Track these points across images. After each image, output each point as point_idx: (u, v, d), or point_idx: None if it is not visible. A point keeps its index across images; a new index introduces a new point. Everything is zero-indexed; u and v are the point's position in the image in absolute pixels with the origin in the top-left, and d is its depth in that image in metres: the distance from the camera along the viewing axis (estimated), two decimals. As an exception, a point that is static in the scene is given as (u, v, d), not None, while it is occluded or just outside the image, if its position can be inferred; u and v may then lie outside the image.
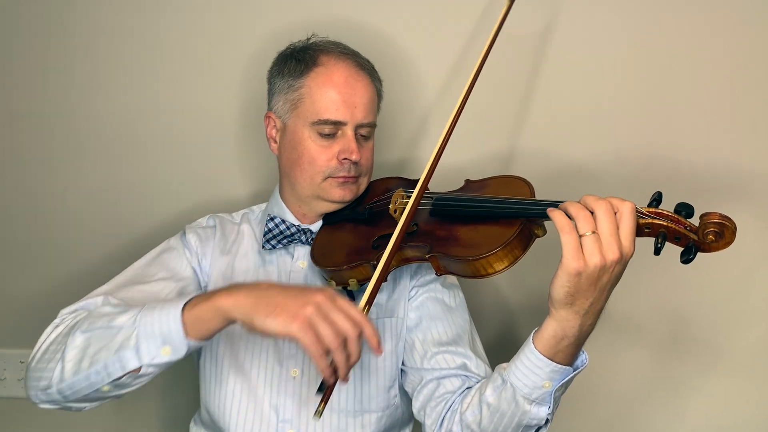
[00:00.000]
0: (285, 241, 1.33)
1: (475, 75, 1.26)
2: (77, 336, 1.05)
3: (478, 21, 1.60)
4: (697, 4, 1.53)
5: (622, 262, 0.98)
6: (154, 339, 1.01)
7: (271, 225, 1.33)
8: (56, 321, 1.15)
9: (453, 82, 1.61)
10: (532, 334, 1.08)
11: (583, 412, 1.60)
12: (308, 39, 1.37)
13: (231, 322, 1.01)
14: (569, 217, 0.99)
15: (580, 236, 0.97)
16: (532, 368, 1.06)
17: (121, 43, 1.71)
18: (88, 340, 1.05)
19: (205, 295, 1.03)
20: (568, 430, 1.59)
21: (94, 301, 1.18)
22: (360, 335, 0.98)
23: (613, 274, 0.99)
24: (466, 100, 1.25)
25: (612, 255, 0.96)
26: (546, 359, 1.05)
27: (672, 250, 1.02)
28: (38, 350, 1.10)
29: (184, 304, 1.02)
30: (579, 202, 1.00)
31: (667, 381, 1.59)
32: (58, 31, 1.73)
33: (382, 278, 1.12)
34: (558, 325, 1.03)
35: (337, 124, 1.28)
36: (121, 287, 1.23)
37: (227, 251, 1.37)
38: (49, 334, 1.11)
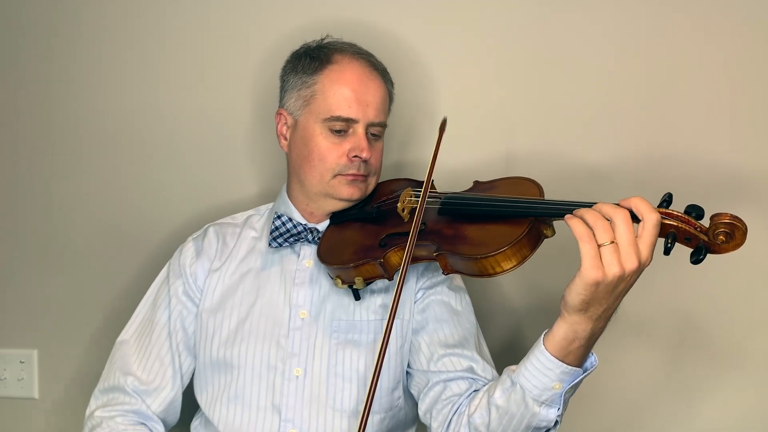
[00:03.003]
0: (291, 239, 1.33)
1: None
2: None
3: (489, 24, 1.61)
4: (703, 3, 1.53)
5: (640, 271, 0.98)
6: None
7: (278, 223, 1.33)
8: (96, 415, 1.30)
9: (461, 85, 1.62)
10: (543, 335, 1.07)
11: (590, 413, 1.58)
12: (322, 39, 1.39)
13: None
14: (586, 224, 0.98)
15: (599, 246, 0.96)
16: (542, 370, 1.06)
17: (129, 42, 1.73)
18: None
19: None
20: (575, 431, 1.58)
21: (122, 384, 1.31)
22: None
23: (630, 282, 0.99)
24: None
25: (631, 265, 0.96)
26: (557, 360, 1.04)
27: (682, 251, 1.02)
28: None
29: None
30: (593, 209, 0.99)
31: (676, 383, 1.57)
32: (62, 30, 1.75)
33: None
34: (570, 327, 1.02)
35: (349, 122, 1.29)
36: (137, 340, 1.35)
37: (227, 258, 1.37)
38: None
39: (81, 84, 1.75)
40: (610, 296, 0.99)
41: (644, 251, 0.96)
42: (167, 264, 1.42)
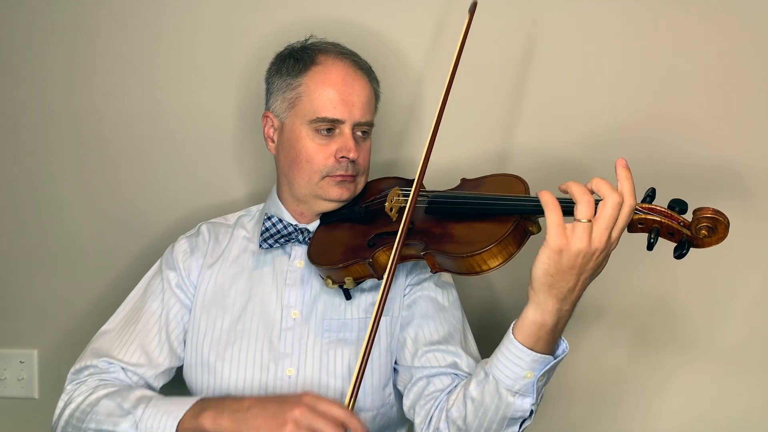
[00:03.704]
0: (282, 240, 1.34)
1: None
2: None
3: (480, 22, 1.59)
4: (699, 3, 1.53)
5: (605, 252, 0.99)
6: None
7: (268, 224, 1.34)
8: (68, 389, 1.27)
9: (453, 84, 1.61)
10: (512, 325, 1.08)
11: (564, 403, 1.59)
12: (306, 40, 1.39)
13: None
14: (572, 197, 0.99)
15: (576, 220, 0.97)
16: (513, 359, 1.06)
17: (118, 43, 1.73)
18: None
19: (195, 409, 1.13)
20: (551, 421, 1.59)
21: (96, 363, 1.28)
22: None
23: (595, 262, 0.99)
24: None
25: (598, 244, 0.97)
26: (526, 349, 1.05)
27: (661, 243, 1.02)
28: (57, 424, 1.24)
29: (180, 420, 1.12)
30: (591, 182, 0.99)
31: (647, 372, 1.58)
32: (55, 31, 1.74)
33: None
34: (537, 310, 1.03)
35: (335, 122, 1.29)
36: (120, 329, 1.33)
37: (219, 257, 1.38)
38: (63, 411, 1.24)
39: (75, 84, 1.75)
40: (574, 272, 0.99)
41: (614, 234, 0.98)
42: (159, 259, 1.42)
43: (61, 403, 1.25)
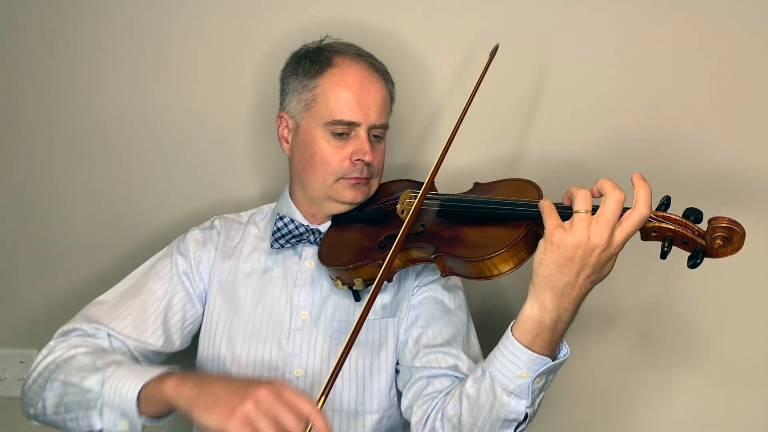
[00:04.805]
0: (293, 240, 1.34)
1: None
2: (55, 384, 1.15)
3: (490, 24, 1.61)
4: (705, 8, 1.54)
5: (607, 253, 0.98)
6: (115, 409, 1.09)
7: (280, 224, 1.34)
8: (51, 344, 1.23)
9: (464, 85, 1.62)
10: (511, 324, 1.07)
11: (570, 407, 1.59)
12: (322, 40, 1.39)
13: (175, 408, 1.04)
14: (570, 195, 1.02)
15: (574, 212, 0.98)
16: (510, 357, 1.05)
17: (129, 42, 1.72)
18: (63, 389, 1.14)
19: (162, 376, 1.07)
20: (556, 424, 1.58)
21: (85, 328, 1.24)
22: (308, 429, 0.96)
23: (596, 259, 0.98)
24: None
25: (597, 240, 0.96)
26: (523, 347, 1.04)
27: (675, 252, 1.02)
28: (31, 375, 1.21)
29: (146, 382, 1.07)
30: (597, 183, 1.00)
31: (655, 380, 1.58)
32: (62, 30, 1.73)
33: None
34: (534, 304, 1.03)
35: (351, 125, 1.29)
36: (117, 301, 1.29)
37: (231, 254, 1.37)
38: (40, 362, 1.21)
39: (82, 85, 1.75)
40: (572, 267, 0.98)
41: (618, 236, 0.97)
42: (170, 244, 1.40)
43: (39, 357, 1.22)
